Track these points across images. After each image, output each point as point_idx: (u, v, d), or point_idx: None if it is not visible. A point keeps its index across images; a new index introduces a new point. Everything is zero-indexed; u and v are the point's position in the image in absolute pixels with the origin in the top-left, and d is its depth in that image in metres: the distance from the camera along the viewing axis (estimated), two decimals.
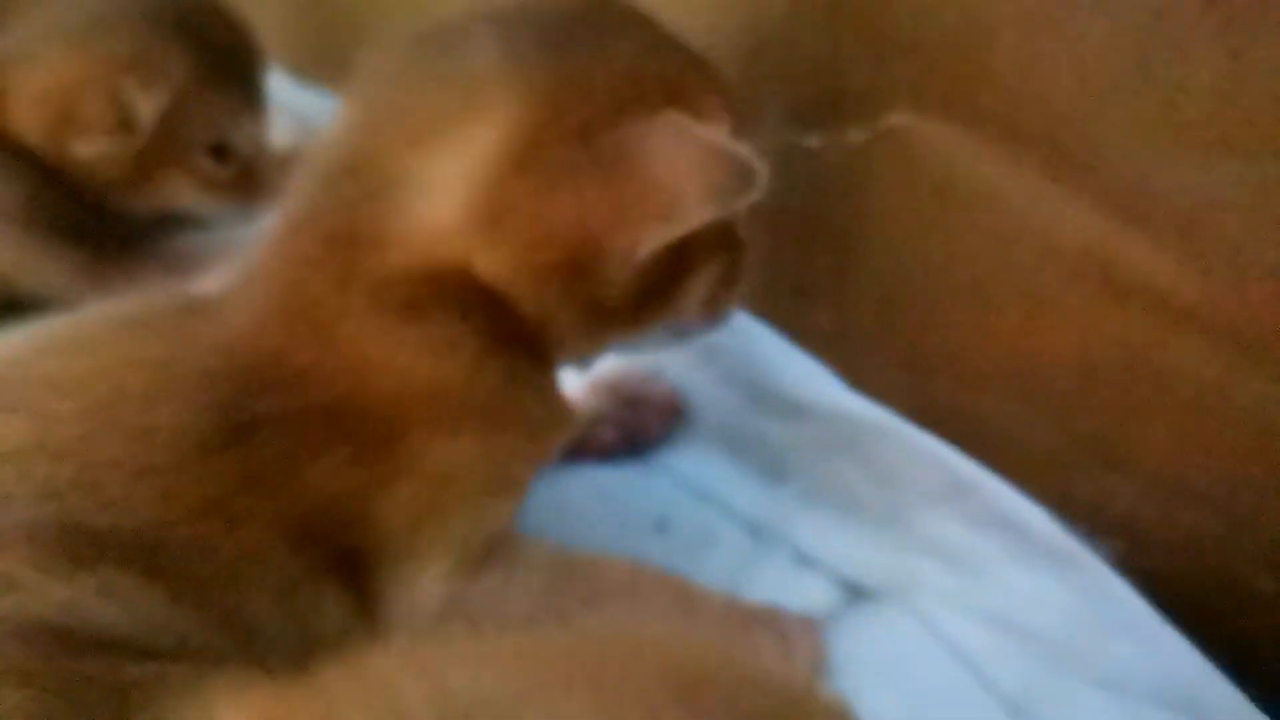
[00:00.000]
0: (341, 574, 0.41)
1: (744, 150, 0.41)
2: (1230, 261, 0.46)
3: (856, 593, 0.55)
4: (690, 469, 0.63)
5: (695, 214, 0.41)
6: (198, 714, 0.33)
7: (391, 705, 0.29)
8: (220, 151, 0.74)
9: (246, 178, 0.76)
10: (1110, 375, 0.52)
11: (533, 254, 0.42)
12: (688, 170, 0.41)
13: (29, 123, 0.67)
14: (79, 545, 0.36)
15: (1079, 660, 0.48)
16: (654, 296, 0.45)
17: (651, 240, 0.42)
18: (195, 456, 0.39)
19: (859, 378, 0.60)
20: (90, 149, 0.68)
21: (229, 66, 0.73)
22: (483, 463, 0.44)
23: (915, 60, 0.54)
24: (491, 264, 0.42)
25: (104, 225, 0.71)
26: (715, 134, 0.42)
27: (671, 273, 0.45)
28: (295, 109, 0.91)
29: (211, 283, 0.46)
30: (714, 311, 0.50)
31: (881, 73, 0.56)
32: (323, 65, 0.98)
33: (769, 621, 0.50)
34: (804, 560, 0.57)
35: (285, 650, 0.39)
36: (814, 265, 0.62)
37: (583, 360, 0.50)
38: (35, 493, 0.36)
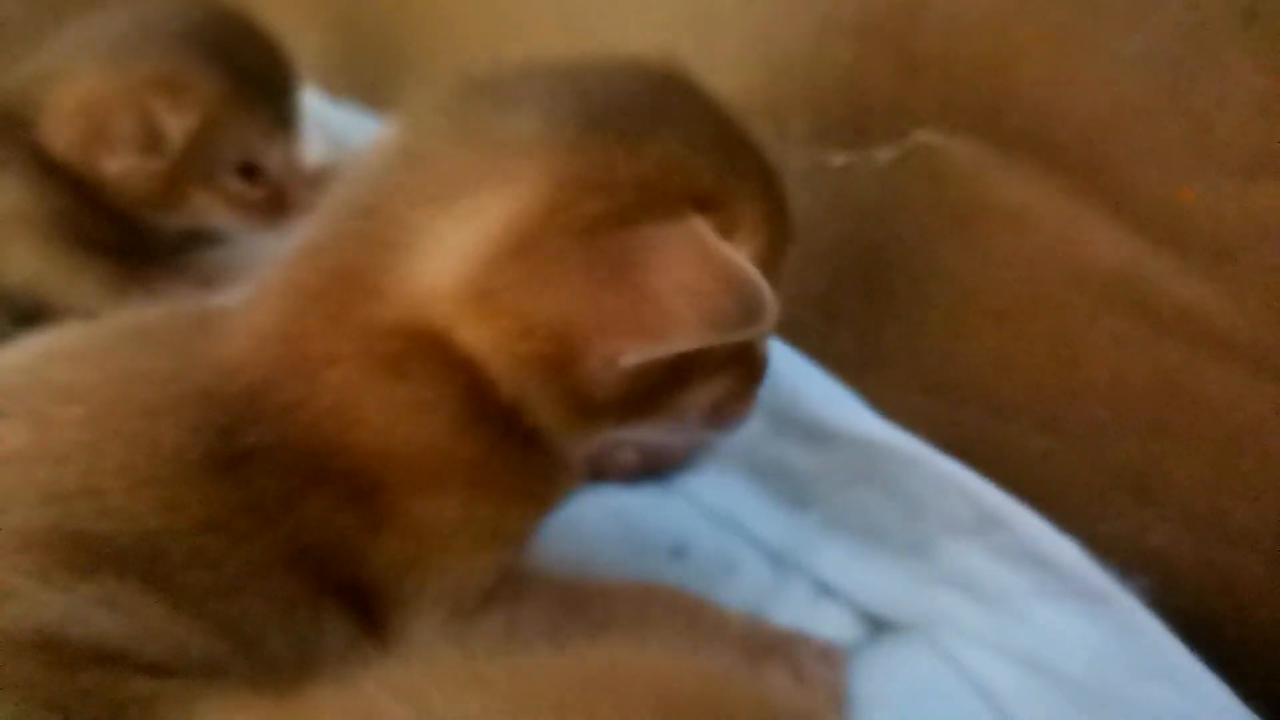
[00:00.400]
0: (342, 599, 0.41)
1: (758, 279, 0.38)
2: (1269, 287, 0.44)
3: (878, 625, 0.54)
4: (710, 494, 0.62)
5: (687, 338, 0.38)
6: None
7: None
8: (250, 172, 0.75)
9: (276, 197, 0.76)
10: (1144, 405, 0.50)
11: (513, 340, 0.39)
12: (690, 291, 0.37)
13: (61, 138, 0.69)
14: (79, 552, 0.35)
15: (1109, 702, 0.46)
16: (644, 401, 0.42)
17: (635, 356, 0.39)
18: (196, 474, 0.38)
19: (884, 403, 0.59)
20: (120, 166, 0.69)
21: (261, 88, 0.74)
22: (467, 522, 0.42)
23: (943, 78, 0.53)
24: (472, 340, 0.40)
25: (132, 240, 0.72)
26: (735, 253, 0.39)
27: (665, 383, 0.42)
28: (329, 126, 0.92)
29: (229, 296, 0.46)
30: (718, 421, 0.47)
31: (909, 91, 0.55)
32: (356, 83, 1.00)
33: (787, 649, 0.49)
34: (825, 590, 0.56)
35: (287, 662, 0.39)
36: (839, 286, 0.61)
37: (577, 441, 0.46)
38: (36, 497, 0.36)
